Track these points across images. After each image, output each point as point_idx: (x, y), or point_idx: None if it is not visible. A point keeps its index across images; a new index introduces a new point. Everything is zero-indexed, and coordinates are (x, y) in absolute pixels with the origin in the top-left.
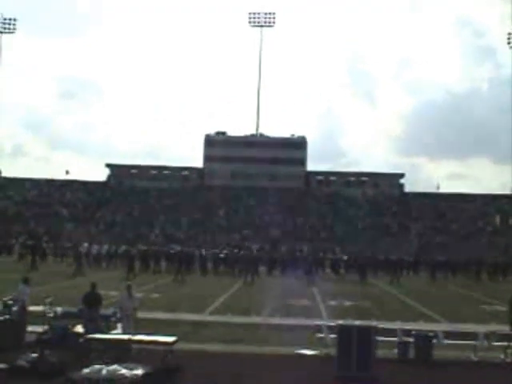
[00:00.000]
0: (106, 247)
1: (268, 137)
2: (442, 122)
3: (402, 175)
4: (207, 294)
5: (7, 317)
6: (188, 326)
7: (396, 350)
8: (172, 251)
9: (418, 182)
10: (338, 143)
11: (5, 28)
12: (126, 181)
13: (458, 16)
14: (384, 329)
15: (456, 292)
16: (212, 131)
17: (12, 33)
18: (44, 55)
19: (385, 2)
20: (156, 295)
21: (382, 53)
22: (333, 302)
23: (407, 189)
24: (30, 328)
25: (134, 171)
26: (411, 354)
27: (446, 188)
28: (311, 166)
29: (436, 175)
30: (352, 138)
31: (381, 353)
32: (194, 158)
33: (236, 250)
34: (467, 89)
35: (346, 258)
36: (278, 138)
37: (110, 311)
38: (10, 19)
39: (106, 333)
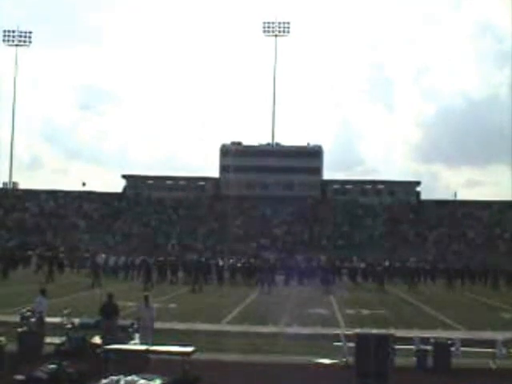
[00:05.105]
0: (123, 258)
1: (283, 146)
2: (460, 129)
3: (418, 183)
4: (224, 303)
5: (25, 328)
6: (205, 335)
7: (414, 359)
8: (189, 261)
9: (436, 189)
10: (355, 151)
11: (20, 41)
12: (143, 191)
13: (477, 21)
14: (402, 337)
15: (473, 299)
16: (227, 141)
17: (27, 46)
18: (60, 67)
19: (401, 8)
20: (173, 305)
21: (399, 59)
22: (350, 311)
23: (424, 196)
24: (48, 339)
25: (150, 182)
26: (429, 362)
27: (464, 195)
28: (329, 175)
29: (454, 182)
30: (369, 145)
31: (399, 361)
32: (210, 168)
33: (253, 260)
34: (486, 95)
35: (363, 266)
36: (294, 147)
37: (127, 322)
38: (25, 32)
39: (124, 343)
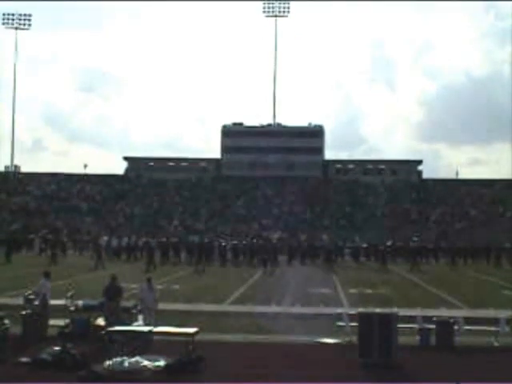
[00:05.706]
0: (125, 240)
1: (285, 126)
2: (462, 108)
3: (419, 162)
4: (227, 284)
5: (29, 311)
6: (209, 316)
7: (417, 337)
8: (191, 242)
9: (438, 168)
10: (356, 130)
11: (20, 24)
12: (144, 173)
13: None
14: (405, 316)
15: (476, 278)
16: (229, 122)
17: (27, 29)
18: (60, 50)
19: None
20: (176, 286)
21: (400, 38)
22: (353, 290)
23: (426, 175)
24: (51, 321)
25: (151, 163)
26: (432, 340)
27: (466, 174)
28: (330, 154)
29: (456, 161)
30: (371, 124)
31: (402, 340)
32: (212, 149)
33: (255, 240)
34: (488, 73)
35: (365, 245)
36: (295, 128)
37: (130, 303)
38: (25, 15)
39: (128, 325)
